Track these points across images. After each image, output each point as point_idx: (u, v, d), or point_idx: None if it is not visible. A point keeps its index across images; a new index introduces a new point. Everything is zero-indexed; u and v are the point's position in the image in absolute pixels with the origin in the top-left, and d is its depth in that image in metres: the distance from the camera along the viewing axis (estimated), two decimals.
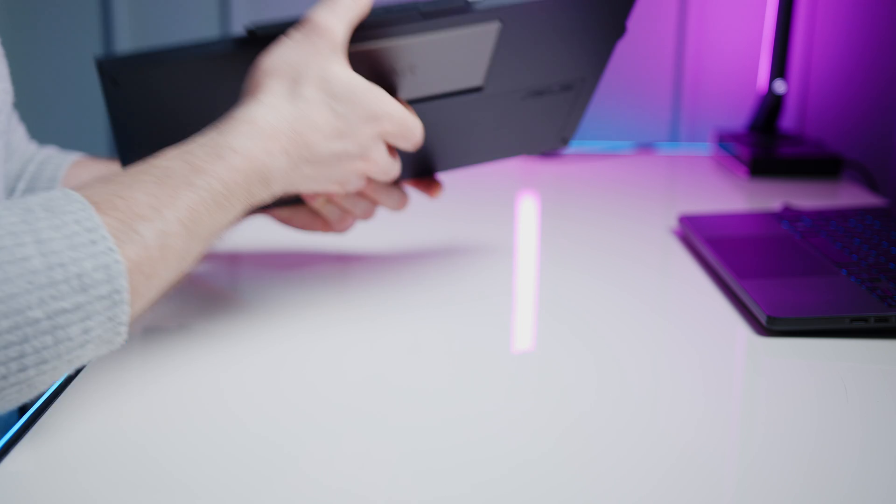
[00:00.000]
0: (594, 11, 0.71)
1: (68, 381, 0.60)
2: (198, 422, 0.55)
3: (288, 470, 0.50)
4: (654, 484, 0.50)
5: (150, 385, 0.60)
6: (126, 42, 1.45)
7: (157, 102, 0.64)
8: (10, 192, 0.86)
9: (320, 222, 0.80)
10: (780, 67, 1.33)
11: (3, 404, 0.48)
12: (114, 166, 0.87)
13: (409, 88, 0.69)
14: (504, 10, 0.66)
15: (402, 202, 0.78)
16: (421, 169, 0.79)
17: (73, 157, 0.89)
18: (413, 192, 0.80)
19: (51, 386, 0.50)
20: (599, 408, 0.58)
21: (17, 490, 0.48)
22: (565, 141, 0.86)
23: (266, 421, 0.56)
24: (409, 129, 0.66)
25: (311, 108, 0.62)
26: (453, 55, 0.68)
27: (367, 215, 0.78)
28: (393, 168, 0.68)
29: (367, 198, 0.77)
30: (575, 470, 0.51)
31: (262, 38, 0.63)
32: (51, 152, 0.89)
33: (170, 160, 0.56)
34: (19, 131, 0.89)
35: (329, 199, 0.76)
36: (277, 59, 0.62)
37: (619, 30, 0.74)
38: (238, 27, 1.45)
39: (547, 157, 1.35)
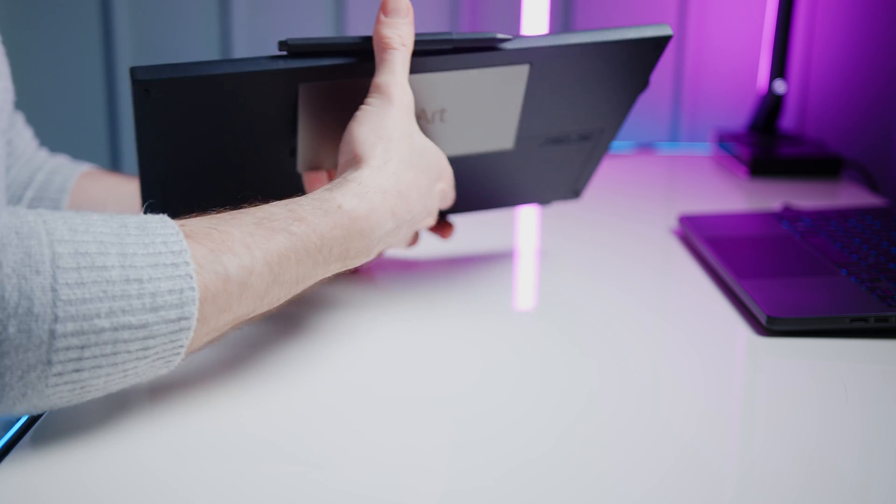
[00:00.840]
0: (620, 62, 0.71)
1: None
2: (201, 422, 0.55)
3: (284, 461, 0.50)
4: (655, 484, 0.50)
5: (154, 384, 0.60)
6: (126, 42, 1.45)
7: (187, 115, 0.64)
8: (17, 200, 0.86)
9: None
10: (780, 67, 1.33)
11: (56, 401, 0.49)
12: (124, 179, 0.88)
13: (443, 142, 0.70)
14: (534, 51, 0.66)
15: (414, 240, 0.80)
16: None
17: (83, 167, 0.89)
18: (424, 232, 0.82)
19: (104, 392, 0.51)
20: (600, 407, 0.58)
21: (19, 488, 0.48)
22: (577, 193, 0.86)
23: (270, 423, 0.56)
24: (453, 186, 0.70)
25: (408, 169, 0.63)
26: (484, 101, 0.69)
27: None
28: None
29: None
30: (576, 470, 0.51)
31: (295, 53, 0.62)
32: (61, 161, 0.89)
33: (275, 206, 0.57)
34: (26, 135, 0.89)
35: None
36: (368, 126, 0.62)
37: (642, 83, 0.74)
38: (238, 27, 1.45)
39: None
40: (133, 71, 0.60)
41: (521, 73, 0.67)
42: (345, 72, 0.64)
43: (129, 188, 0.86)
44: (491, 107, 0.70)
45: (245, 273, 0.53)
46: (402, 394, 0.60)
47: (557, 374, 0.63)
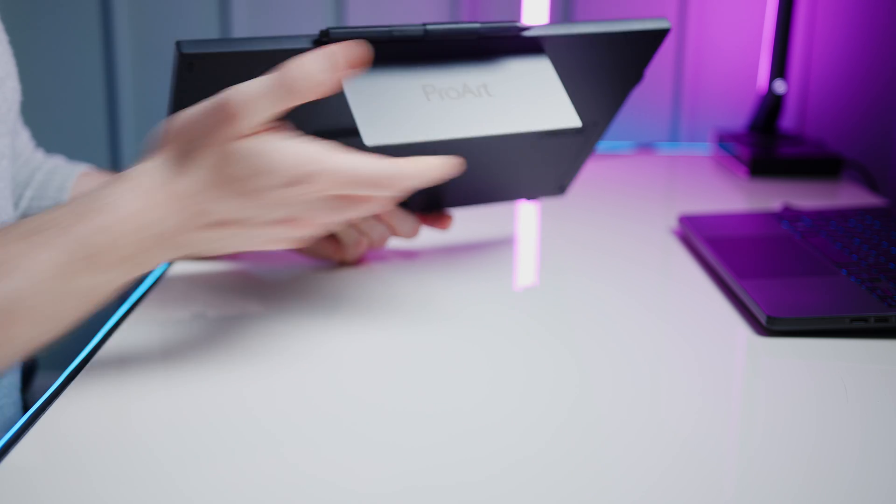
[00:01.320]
0: (619, 53, 0.72)
1: (72, 376, 0.60)
2: (202, 419, 0.55)
3: (277, 456, 0.51)
4: (654, 483, 0.50)
5: (154, 382, 0.60)
6: (126, 42, 1.45)
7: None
8: (17, 199, 0.86)
9: (333, 247, 0.81)
10: (780, 67, 1.33)
11: None
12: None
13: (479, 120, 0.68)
14: (550, 39, 0.67)
15: (415, 230, 0.80)
16: (428, 203, 0.80)
17: (80, 168, 0.89)
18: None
19: None
20: (599, 407, 0.58)
21: (21, 486, 0.48)
22: (562, 189, 0.87)
23: (272, 419, 0.56)
24: (369, 183, 0.57)
25: (205, 174, 0.57)
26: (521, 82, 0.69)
27: (381, 242, 0.81)
28: (354, 216, 0.62)
29: (382, 221, 0.78)
30: (574, 469, 0.51)
31: (335, 39, 0.62)
32: (58, 162, 0.90)
33: (43, 215, 0.55)
34: (24, 135, 0.89)
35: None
36: (180, 125, 0.58)
37: (637, 76, 0.75)
38: (238, 27, 1.45)
39: None
40: (179, 44, 0.60)
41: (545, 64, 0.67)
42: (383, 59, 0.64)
43: None
44: (529, 87, 0.69)
45: (8, 298, 0.52)
46: (397, 391, 0.60)
47: (557, 373, 0.63)
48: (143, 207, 0.56)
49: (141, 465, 0.51)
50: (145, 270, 0.58)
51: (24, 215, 0.86)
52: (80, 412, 0.56)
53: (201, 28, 1.45)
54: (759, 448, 0.54)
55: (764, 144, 1.28)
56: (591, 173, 1.25)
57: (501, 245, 0.94)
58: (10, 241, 0.54)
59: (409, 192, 0.59)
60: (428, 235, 0.90)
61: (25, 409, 0.78)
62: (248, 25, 1.45)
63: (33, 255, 0.53)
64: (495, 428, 0.55)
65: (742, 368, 0.68)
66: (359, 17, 1.44)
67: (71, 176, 0.87)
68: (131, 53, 1.46)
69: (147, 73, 1.47)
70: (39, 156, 0.90)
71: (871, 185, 1.22)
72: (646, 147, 1.44)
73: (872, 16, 1.32)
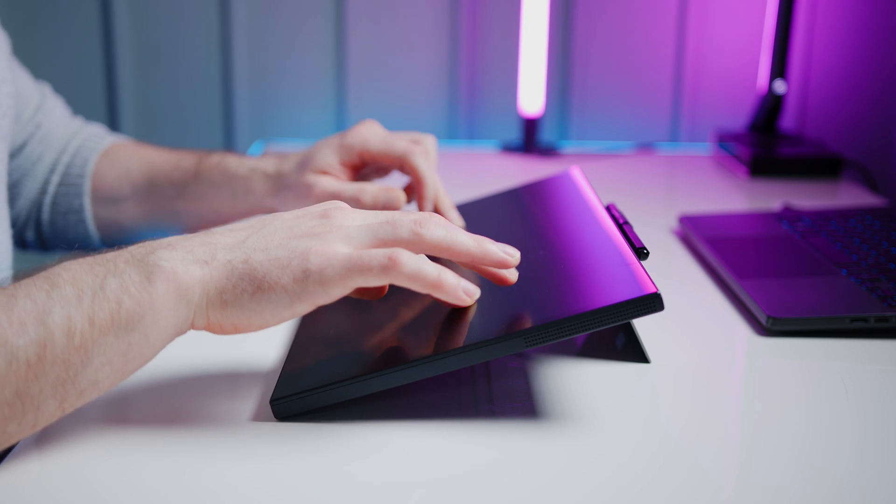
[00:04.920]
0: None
1: None
2: (202, 419, 0.55)
3: (277, 456, 0.51)
4: (653, 482, 0.50)
5: (153, 383, 0.60)
6: (126, 42, 1.45)
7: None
8: (44, 184, 0.86)
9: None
10: (780, 67, 1.33)
11: None
12: (153, 152, 0.87)
13: None
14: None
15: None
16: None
17: (100, 147, 0.88)
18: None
19: None
20: (599, 407, 0.58)
21: (19, 488, 0.48)
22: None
23: (271, 419, 0.56)
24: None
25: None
26: None
27: None
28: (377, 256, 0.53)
29: None
30: (573, 469, 0.51)
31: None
32: (81, 140, 0.88)
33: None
34: (55, 113, 0.87)
35: None
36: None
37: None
38: (238, 28, 1.45)
39: (547, 157, 1.35)
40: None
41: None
42: None
43: (137, 178, 0.85)
44: None
45: (37, 345, 0.47)
46: (396, 391, 0.60)
47: (557, 373, 0.62)
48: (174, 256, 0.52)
49: (140, 466, 0.51)
50: (164, 277, 0.51)
51: (54, 202, 0.86)
52: (77, 413, 0.56)
53: (202, 28, 1.45)
54: (759, 448, 0.54)
55: (764, 144, 1.28)
56: (591, 173, 1.25)
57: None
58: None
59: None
60: None
61: None
62: (248, 25, 1.45)
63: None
64: (495, 424, 0.55)
65: (742, 368, 0.68)
66: (359, 19, 1.44)
67: (90, 160, 0.86)
68: (131, 53, 1.46)
69: (147, 73, 1.47)
70: (70, 130, 0.88)
71: (871, 185, 1.22)
72: (646, 147, 1.44)
73: (872, 16, 1.32)
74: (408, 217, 0.55)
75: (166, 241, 0.54)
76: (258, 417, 0.56)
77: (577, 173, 0.81)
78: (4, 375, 0.46)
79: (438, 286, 0.53)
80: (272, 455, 0.52)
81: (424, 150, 0.79)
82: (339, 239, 0.53)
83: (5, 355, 0.46)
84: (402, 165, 0.78)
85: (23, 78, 0.84)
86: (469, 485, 0.50)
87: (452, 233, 0.55)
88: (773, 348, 0.68)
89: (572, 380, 0.61)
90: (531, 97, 1.40)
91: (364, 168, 0.80)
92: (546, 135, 1.48)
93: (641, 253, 0.62)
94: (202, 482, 0.49)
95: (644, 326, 0.72)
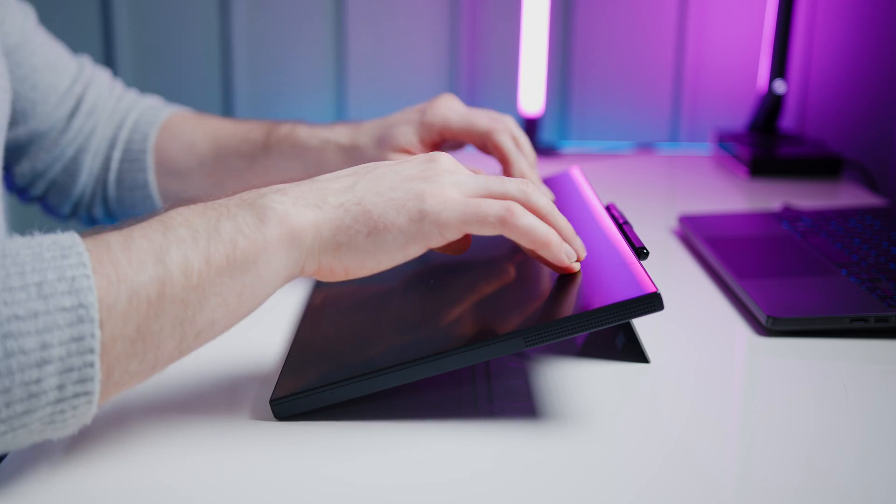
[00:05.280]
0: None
1: None
2: (203, 420, 0.55)
3: (276, 454, 0.51)
4: (653, 482, 0.50)
5: (153, 382, 0.60)
6: (126, 42, 1.45)
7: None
8: (106, 160, 0.85)
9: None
10: (780, 67, 1.33)
11: None
12: (218, 123, 0.86)
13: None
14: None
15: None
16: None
17: (159, 120, 0.87)
18: None
19: (9, 449, 0.46)
20: (599, 407, 0.58)
21: (19, 488, 0.48)
22: None
23: (272, 418, 0.56)
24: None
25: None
26: None
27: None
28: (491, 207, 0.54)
29: None
30: (573, 469, 0.51)
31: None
32: (138, 112, 0.87)
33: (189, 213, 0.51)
34: (95, 84, 0.86)
35: None
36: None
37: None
38: (238, 28, 1.45)
39: (547, 157, 1.35)
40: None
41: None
42: None
43: (204, 150, 0.84)
44: None
45: (157, 282, 0.47)
46: (395, 390, 0.60)
47: (556, 373, 0.62)
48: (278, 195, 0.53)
49: (140, 466, 0.51)
50: (276, 222, 0.51)
51: (119, 179, 0.85)
52: None
53: (202, 28, 1.45)
54: (759, 448, 0.54)
55: (764, 144, 1.28)
56: (591, 173, 1.25)
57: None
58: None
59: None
60: None
61: None
62: (248, 25, 1.45)
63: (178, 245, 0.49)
64: (495, 424, 0.55)
65: (742, 368, 0.68)
66: (359, 19, 1.44)
67: (150, 134, 0.85)
68: (131, 53, 1.46)
69: (147, 73, 1.47)
70: (120, 99, 0.88)
71: (871, 185, 1.22)
72: (646, 147, 1.44)
73: (872, 16, 1.32)
74: (514, 179, 0.56)
75: (275, 186, 0.54)
76: (258, 417, 0.56)
77: (577, 173, 0.81)
78: (126, 311, 0.46)
79: (547, 244, 0.55)
80: (272, 455, 0.52)
81: (506, 128, 0.78)
82: (452, 183, 0.54)
83: (126, 291, 0.46)
84: (485, 144, 0.78)
85: (55, 51, 0.84)
86: (470, 485, 0.50)
87: (551, 204, 0.57)
88: (773, 348, 0.68)
89: (572, 380, 0.61)
90: (531, 97, 1.40)
91: (442, 144, 0.80)
92: (546, 135, 1.48)
93: (641, 253, 0.62)
94: (202, 482, 0.49)
95: (644, 326, 0.72)
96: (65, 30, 1.45)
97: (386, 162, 0.57)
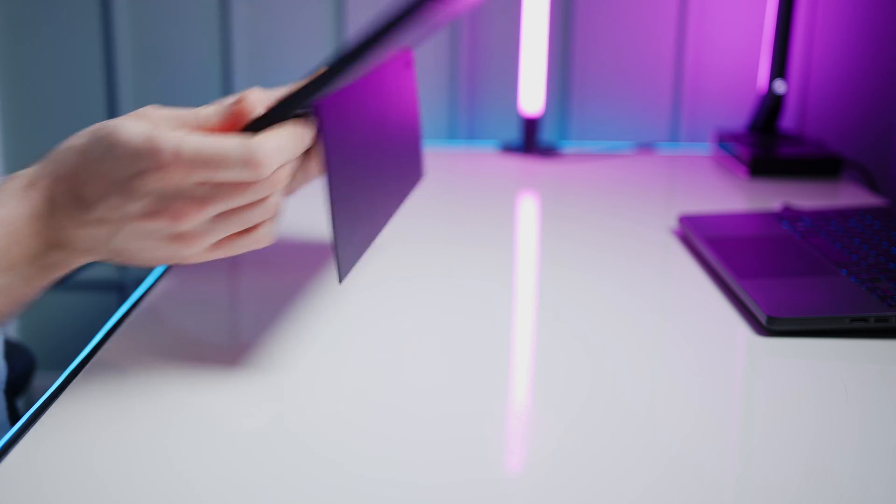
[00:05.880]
0: None
1: (72, 377, 0.60)
2: (203, 418, 0.55)
3: (279, 452, 0.51)
4: (653, 483, 0.50)
5: (154, 382, 0.60)
6: (126, 42, 1.45)
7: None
8: None
9: None
10: (780, 67, 1.33)
11: None
12: None
13: None
14: None
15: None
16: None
17: None
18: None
19: None
20: (599, 407, 0.58)
21: (21, 487, 0.48)
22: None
23: (274, 418, 0.56)
24: (222, 159, 0.53)
25: (80, 156, 0.55)
26: None
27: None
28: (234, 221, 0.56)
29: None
30: (573, 468, 0.51)
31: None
32: None
33: None
34: None
35: None
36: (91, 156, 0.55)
37: None
38: (238, 27, 1.45)
39: (547, 157, 1.35)
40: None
41: None
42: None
43: None
44: None
45: None
46: (395, 391, 0.60)
47: (556, 373, 0.63)
48: (8, 201, 0.55)
49: (142, 466, 0.51)
50: (50, 273, 0.57)
51: None
52: (79, 413, 0.56)
53: (201, 28, 1.45)
54: (759, 448, 0.54)
55: (764, 144, 1.28)
56: (591, 173, 1.25)
57: (501, 244, 0.94)
58: None
59: (283, 172, 0.55)
60: (426, 234, 0.90)
61: (12, 412, 0.78)
62: (248, 25, 1.45)
63: None
64: (497, 428, 0.55)
65: (742, 368, 0.68)
66: (359, 20, 1.44)
67: None
68: (131, 53, 1.46)
69: (147, 73, 1.47)
70: None
71: (871, 185, 1.22)
72: (646, 147, 1.44)
73: (872, 16, 1.32)
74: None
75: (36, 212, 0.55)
76: (259, 415, 0.56)
77: None
78: None
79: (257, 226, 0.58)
80: (272, 455, 0.52)
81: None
82: (195, 247, 0.57)
83: None
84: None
85: None
86: (471, 486, 0.50)
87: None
88: (773, 348, 0.68)
89: (572, 380, 0.61)
90: (531, 97, 1.40)
91: None
92: (546, 135, 1.48)
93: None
94: (202, 481, 0.49)
95: (644, 326, 0.72)
96: (65, 30, 1.45)
97: (129, 209, 0.55)
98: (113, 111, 1.47)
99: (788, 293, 0.73)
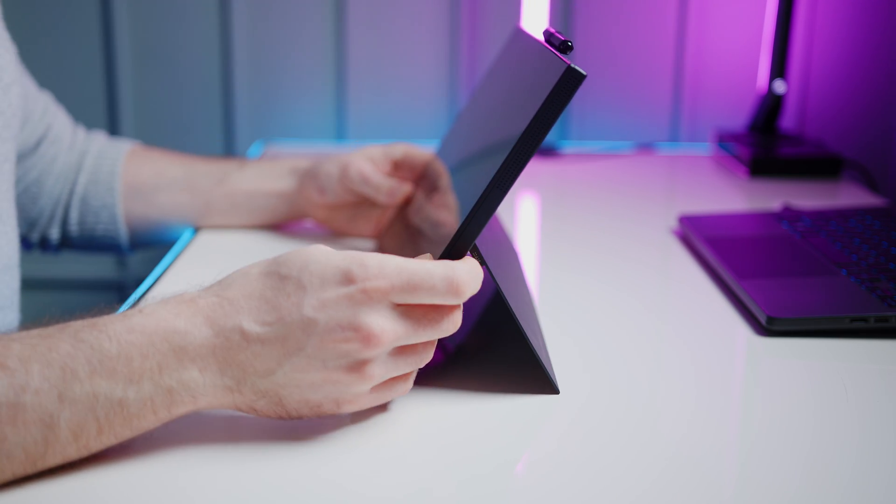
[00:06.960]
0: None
1: None
2: (200, 421, 0.55)
3: (281, 449, 0.51)
4: (653, 482, 0.50)
5: None
6: (126, 42, 1.45)
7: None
8: (71, 184, 0.88)
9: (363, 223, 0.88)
10: (780, 67, 1.33)
11: None
12: (168, 161, 0.92)
13: None
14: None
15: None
16: None
17: (125, 147, 0.91)
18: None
19: None
20: (599, 407, 0.58)
21: (19, 488, 0.48)
22: None
23: (271, 422, 0.56)
24: (424, 283, 0.51)
25: (247, 280, 0.52)
26: None
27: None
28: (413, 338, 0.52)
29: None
30: (573, 468, 0.51)
31: None
32: (102, 142, 0.92)
33: (76, 319, 0.50)
34: (60, 117, 0.90)
35: None
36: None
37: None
38: (238, 28, 1.45)
39: (547, 157, 1.35)
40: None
41: None
42: None
43: (175, 172, 0.90)
44: None
45: (16, 390, 0.46)
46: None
47: (556, 373, 0.63)
48: (175, 310, 0.50)
49: (140, 466, 0.51)
50: (186, 404, 0.50)
51: (83, 200, 0.89)
52: None
53: (201, 28, 1.45)
54: (759, 448, 0.54)
55: (764, 144, 1.28)
56: (591, 173, 1.25)
57: None
58: (34, 335, 0.49)
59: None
60: None
61: None
62: (248, 25, 1.45)
63: (50, 349, 0.48)
64: (495, 426, 0.55)
65: (742, 368, 0.68)
66: (359, 19, 1.44)
67: (118, 160, 0.89)
68: (131, 54, 1.46)
69: (147, 73, 1.47)
70: (81, 136, 0.91)
71: (871, 185, 1.22)
72: (646, 147, 1.44)
73: (872, 16, 1.32)
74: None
75: (195, 348, 0.50)
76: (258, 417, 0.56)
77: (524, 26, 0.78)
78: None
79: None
80: (271, 456, 0.52)
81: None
82: (367, 383, 0.52)
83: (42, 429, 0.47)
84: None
85: (28, 83, 0.86)
86: (471, 487, 0.50)
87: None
88: (773, 348, 0.68)
89: (572, 379, 0.61)
90: None
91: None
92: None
93: (566, 46, 0.59)
94: (200, 481, 0.49)
95: (644, 326, 0.72)
96: (65, 30, 1.45)
97: (317, 329, 0.50)
98: (113, 111, 1.47)
99: (788, 293, 0.73)
